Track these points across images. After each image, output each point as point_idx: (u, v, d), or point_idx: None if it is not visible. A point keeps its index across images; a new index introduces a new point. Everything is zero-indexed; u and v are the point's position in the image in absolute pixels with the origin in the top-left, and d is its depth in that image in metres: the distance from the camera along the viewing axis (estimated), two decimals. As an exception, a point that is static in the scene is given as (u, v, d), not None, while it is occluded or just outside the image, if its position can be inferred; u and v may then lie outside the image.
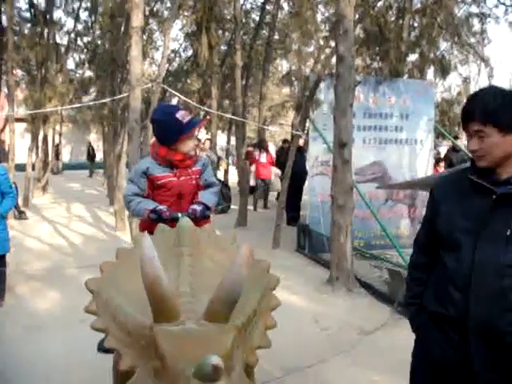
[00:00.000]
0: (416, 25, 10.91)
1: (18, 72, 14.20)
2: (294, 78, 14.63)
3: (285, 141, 14.09)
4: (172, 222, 2.92)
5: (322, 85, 8.10)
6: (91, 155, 25.87)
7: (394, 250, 6.74)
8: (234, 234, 2.82)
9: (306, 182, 9.22)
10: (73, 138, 30.78)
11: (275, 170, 13.19)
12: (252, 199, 13.06)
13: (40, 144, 15.58)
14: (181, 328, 1.81)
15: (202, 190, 3.45)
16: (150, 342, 1.82)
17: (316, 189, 8.34)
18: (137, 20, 7.46)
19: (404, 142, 8.70)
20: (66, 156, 27.94)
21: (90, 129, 27.18)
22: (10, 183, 5.60)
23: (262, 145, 13.63)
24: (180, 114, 3.23)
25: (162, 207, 3.18)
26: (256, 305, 2.24)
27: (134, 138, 7.53)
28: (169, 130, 3.24)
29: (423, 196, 8.79)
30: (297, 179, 9.80)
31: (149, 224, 3.13)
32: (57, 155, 25.82)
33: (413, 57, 11.44)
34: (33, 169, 14.14)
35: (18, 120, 14.54)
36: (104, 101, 11.80)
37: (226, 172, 17.89)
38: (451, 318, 1.95)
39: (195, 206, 3.25)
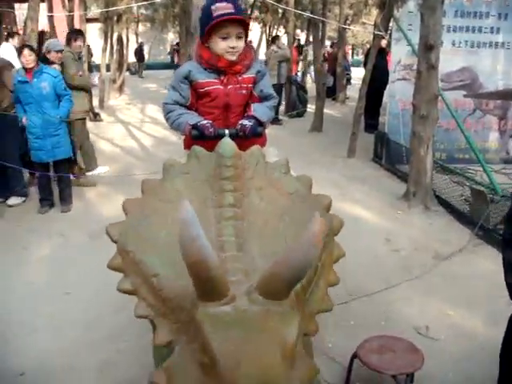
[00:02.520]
0: None
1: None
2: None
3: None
4: (216, 139, 2.41)
5: (409, -22, 7.29)
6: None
7: (479, 165, 6.16)
8: (286, 161, 2.32)
9: (387, 87, 8.59)
10: (150, 37, 30.65)
11: None
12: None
13: (114, 44, 15.43)
14: (232, 312, 1.45)
15: (256, 103, 2.80)
16: (192, 319, 1.50)
17: (397, 95, 7.94)
18: None
19: (500, 46, 7.76)
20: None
21: (168, 28, 26.79)
22: (64, 85, 5.64)
23: None
24: (216, 6, 2.54)
25: (205, 122, 2.62)
26: (317, 259, 1.82)
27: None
28: (200, 24, 2.69)
29: (517, 108, 8.00)
30: (377, 83, 9.20)
31: (193, 141, 2.62)
32: (141, 57, 25.84)
33: None
34: (108, 70, 14.10)
35: (91, 20, 14.34)
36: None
37: (304, 74, 17.20)
38: None
39: (245, 121, 2.64)
